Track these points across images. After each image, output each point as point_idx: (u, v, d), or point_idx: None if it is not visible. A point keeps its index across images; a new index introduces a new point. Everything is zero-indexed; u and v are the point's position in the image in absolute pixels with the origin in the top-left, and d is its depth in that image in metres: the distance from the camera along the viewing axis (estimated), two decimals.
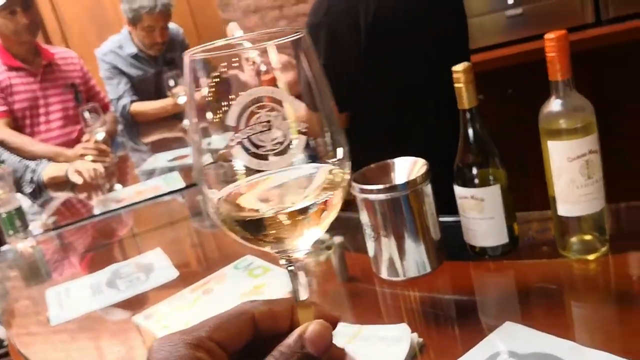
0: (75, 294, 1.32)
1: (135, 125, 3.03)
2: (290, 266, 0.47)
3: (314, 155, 0.44)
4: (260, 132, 0.42)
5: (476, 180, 0.98)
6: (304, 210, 0.43)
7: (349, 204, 0.96)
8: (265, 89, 0.42)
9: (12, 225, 1.72)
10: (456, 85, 0.94)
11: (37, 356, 1.10)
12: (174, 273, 1.31)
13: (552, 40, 0.86)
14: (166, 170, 2.14)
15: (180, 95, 2.76)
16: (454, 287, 1.02)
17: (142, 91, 3.06)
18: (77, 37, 4.01)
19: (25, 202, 2.02)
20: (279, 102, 0.43)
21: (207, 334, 0.42)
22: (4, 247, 1.76)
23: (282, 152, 0.43)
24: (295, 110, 0.43)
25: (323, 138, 0.45)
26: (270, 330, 0.45)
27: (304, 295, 0.46)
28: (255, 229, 0.44)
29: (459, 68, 0.93)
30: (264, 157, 0.43)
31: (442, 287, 1.02)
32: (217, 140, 0.44)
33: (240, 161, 0.42)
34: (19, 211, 1.75)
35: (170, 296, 1.17)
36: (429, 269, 1.01)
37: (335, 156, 0.45)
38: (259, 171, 0.43)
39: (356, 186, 1.00)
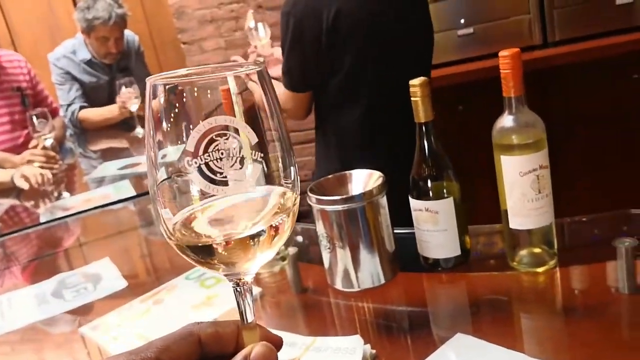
0: (18, 304, 1.27)
1: (83, 132, 2.96)
2: (238, 289, 0.47)
3: (268, 179, 0.46)
4: (219, 159, 0.44)
5: (431, 193, 0.99)
6: (255, 236, 0.45)
7: (303, 215, 0.97)
8: (224, 118, 0.44)
9: None
10: (413, 98, 0.95)
11: None
12: (122, 283, 1.28)
13: (506, 58, 0.88)
14: (116, 179, 2.10)
15: (132, 102, 2.72)
16: (407, 298, 1.03)
17: (94, 98, 2.99)
18: (28, 43, 3.91)
19: None
20: (236, 131, 0.44)
21: (154, 355, 0.42)
22: None
23: (238, 179, 0.44)
24: (251, 138, 0.44)
25: (277, 163, 0.47)
26: (216, 351, 0.46)
27: (250, 317, 0.47)
28: (207, 254, 0.45)
29: (415, 82, 0.95)
30: (221, 183, 0.44)
31: (395, 299, 1.03)
32: (173, 159, 0.45)
33: (197, 186, 0.44)
34: None
35: (119, 307, 1.14)
36: (383, 280, 1.02)
37: (287, 177, 0.47)
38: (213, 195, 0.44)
39: (313, 197, 1.00)
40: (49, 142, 2.36)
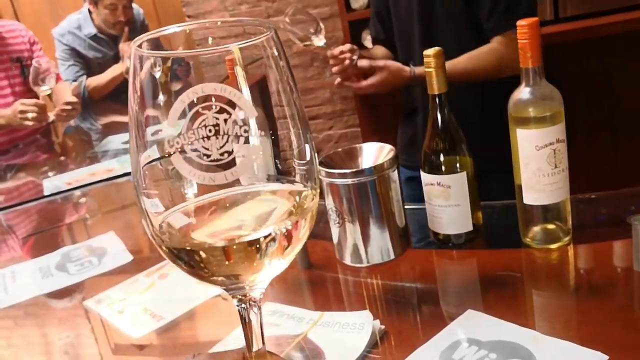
0: (22, 277, 1.26)
1: (91, 104, 2.93)
2: (243, 307, 0.39)
3: (280, 170, 0.38)
4: (205, 137, 0.35)
5: (443, 167, 0.97)
6: (262, 242, 0.36)
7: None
8: (214, 86, 0.36)
9: None
10: (427, 69, 0.93)
11: None
12: (127, 257, 1.26)
13: (524, 27, 0.86)
14: (120, 153, 2.08)
15: None
16: (417, 274, 1.01)
17: (99, 74, 2.96)
18: (30, 13, 3.87)
19: None
20: (232, 104, 0.36)
21: None
22: None
23: (229, 164, 0.35)
24: (250, 113, 0.36)
25: (289, 143, 0.38)
26: None
27: (258, 342, 0.40)
28: (201, 261, 0.36)
29: (429, 52, 0.92)
30: (209, 169, 0.35)
31: (405, 274, 1.01)
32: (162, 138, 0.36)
33: (183, 172, 0.35)
34: None
35: (124, 281, 1.13)
36: (392, 256, 1.00)
37: (302, 159, 0.38)
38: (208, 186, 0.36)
39: (322, 170, 0.98)
40: (46, 93, 2.34)
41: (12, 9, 3.92)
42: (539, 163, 0.89)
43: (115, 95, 2.94)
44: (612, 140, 2.57)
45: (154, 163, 0.36)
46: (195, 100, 0.35)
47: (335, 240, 1.02)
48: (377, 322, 0.85)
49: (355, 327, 0.85)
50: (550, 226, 0.95)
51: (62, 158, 2.28)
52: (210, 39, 0.40)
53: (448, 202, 0.97)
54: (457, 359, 0.75)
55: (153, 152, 0.36)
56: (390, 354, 0.81)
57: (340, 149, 1.04)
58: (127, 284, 1.12)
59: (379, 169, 0.96)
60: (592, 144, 2.53)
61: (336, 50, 1.58)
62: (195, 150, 0.34)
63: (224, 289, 0.38)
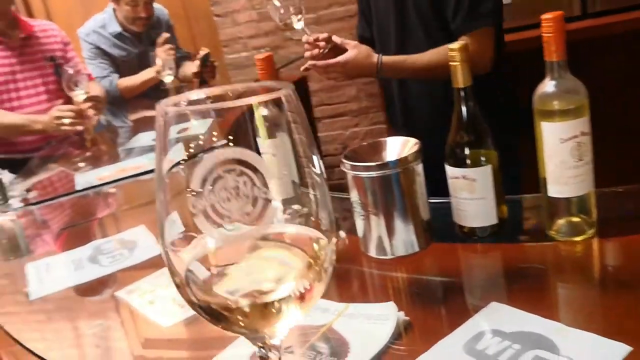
0: (55, 269, 1.30)
1: (122, 102, 2.98)
2: (263, 350, 0.40)
3: (294, 226, 0.39)
4: (226, 199, 0.36)
5: (468, 160, 0.98)
6: (279, 301, 0.38)
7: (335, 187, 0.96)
8: (234, 151, 0.37)
9: None
10: (452, 63, 0.94)
11: (15, 331, 1.08)
12: (157, 250, 1.29)
13: (549, 20, 0.86)
14: (149, 149, 2.11)
15: (166, 73, 2.72)
16: (441, 267, 1.02)
17: (125, 72, 3.00)
18: (61, 13, 3.95)
19: (6, 176, 1.98)
20: (251, 166, 0.37)
21: None
22: None
23: (252, 223, 0.37)
24: (270, 176, 0.37)
25: (309, 206, 0.39)
26: None
27: None
28: (226, 318, 0.38)
29: (455, 46, 0.93)
30: (229, 229, 0.37)
31: (429, 267, 1.02)
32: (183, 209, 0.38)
33: (206, 233, 0.37)
34: None
35: (154, 272, 1.16)
36: (417, 249, 1.01)
37: (320, 221, 0.39)
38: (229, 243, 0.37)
39: (347, 163, 0.99)
40: (81, 98, 2.39)
41: (45, 9, 4.01)
42: (563, 156, 0.89)
43: (146, 92, 2.99)
44: None
45: (176, 219, 0.38)
46: (216, 163, 0.36)
47: (360, 232, 1.04)
48: (402, 313, 0.85)
49: (379, 319, 0.85)
50: (575, 219, 0.95)
51: (93, 154, 2.32)
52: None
53: (473, 195, 0.98)
54: (480, 349, 0.76)
55: (178, 207, 0.38)
56: (414, 345, 0.82)
57: (365, 143, 1.05)
58: (157, 275, 1.14)
59: (403, 162, 0.97)
60: (620, 138, 2.50)
61: (312, 37, 1.59)
62: (216, 210, 0.36)
63: (245, 336, 0.39)
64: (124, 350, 0.98)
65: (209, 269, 0.38)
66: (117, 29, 2.97)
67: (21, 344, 1.02)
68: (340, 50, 1.58)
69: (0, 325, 1.10)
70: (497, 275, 0.98)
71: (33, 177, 2.16)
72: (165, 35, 2.86)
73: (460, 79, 0.95)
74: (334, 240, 0.40)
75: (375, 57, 1.58)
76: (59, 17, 3.85)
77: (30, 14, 3.92)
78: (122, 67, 3.01)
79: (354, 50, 1.55)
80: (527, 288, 0.91)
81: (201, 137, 0.38)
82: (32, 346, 0.99)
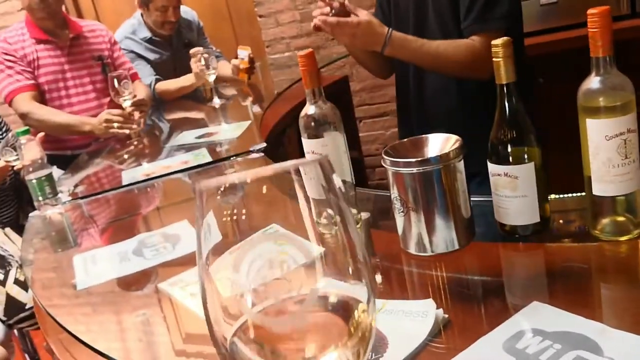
0: (101, 261, 1.33)
1: (160, 104, 3.04)
2: None
3: (334, 301, 0.39)
4: (267, 283, 0.37)
5: (510, 158, 0.97)
6: None
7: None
8: (271, 248, 0.38)
9: (42, 191, 1.74)
10: (495, 59, 0.93)
11: (63, 318, 1.11)
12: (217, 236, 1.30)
13: (594, 16, 0.85)
14: (194, 147, 2.15)
15: (210, 73, 2.76)
16: (481, 265, 1.01)
17: (160, 75, 3.06)
18: (110, 13, 4.05)
19: (55, 172, 2.05)
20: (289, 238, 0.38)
21: None
22: (33, 213, 1.78)
23: (294, 305, 0.38)
24: (310, 258, 0.38)
25: (346, 281, 0.39)
26: None
27: None
28: None
29: (498, 42, 0.92)
30: (272, 313, 0.38)
31: (469, 265, 1.01)
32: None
33: (249, 318, 0.37)
34: (49, 178, 1.76)
35: (196, 266, 1.17)
36: (457, 246, 1.00)
37: (360, 299, 0.39)
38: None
39: (387, 159, 0.99)
40: (127, 103, 2.44)
41: (94, 9, 4.11)
42: (608, 153, 0.87)
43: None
44: None
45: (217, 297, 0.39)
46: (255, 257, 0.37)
47: (399, 229, 1.04)
48: (440, 311, 0.85)
49: (418, 315, 0.85)
50: (620, 218, 0.93)
51: (139, 151, 2.37)
52: None
53: (515, 193, 0.97)
54: (520, 348, 0.75)
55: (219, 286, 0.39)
56: (452, 342, 0.81)
57: (405, 140, 1.05)
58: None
59: (445, 159, 0.96)
60: None
61: None
62: (257, 291, 0.38)
63: None
64: (167, 344, 1.00)
65: (251, 341, 0.39)
66: (147, 34, 3.02)
67: (69, 332, 1.05)
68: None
69: (50, 314, 1.14)
70: (538, 274, 0.96)
71: (81, 173, 2.22)
72: (197, 49, 2.88)
73: (503, 75, 0.94)
74: (374, 303, 0.39)
75: (386, 28, 1.54)
76: (107, 17, 3.94)
77: (80, 14, 4.02)
78: (157, 69, 3.06)
79: (365, 16, 1.52)
80: (569, 288, 0.90)
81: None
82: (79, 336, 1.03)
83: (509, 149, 0.97)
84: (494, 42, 0.93)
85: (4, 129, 2.45)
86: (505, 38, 0.93)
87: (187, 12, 3.14)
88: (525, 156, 0.96)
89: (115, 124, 2.39)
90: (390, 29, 1.54)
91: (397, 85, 1.87)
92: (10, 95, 2.52)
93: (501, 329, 0.80)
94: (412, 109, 1.79)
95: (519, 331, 0.78)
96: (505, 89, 0.95)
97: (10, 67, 2.53)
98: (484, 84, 1.25)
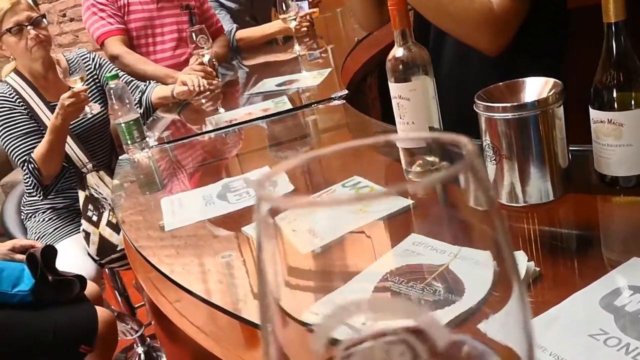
0: (187, 204, 1.36)
1: (239, 50, 3.06)
2: None
3: None
4: None
5: (616, 103, 0.90)
6: None
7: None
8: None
9: (131, 135, 1.79)
10: None
11: (152, 258, 1.15)
12: (289, 187, 1.29)
13: None
14: (274, 95, 2.15)
15: (290, 19, 2.74)
16: (577, 217, 0.96)
17: (239, 22, 3.07)
18: None
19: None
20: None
21: None
22: (123, 157, 1.84)
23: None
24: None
25: None
26: None
27: None
28: None
29: None
30: None
31: (564, 217, 0.96)
32: None
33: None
34: (137, 122, 1.81)
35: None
36: (552, 197, 0.95)
37: None
38: None
39: (480, 104, 0.94)
40: (206, 58, 2.46)
41: None
42: None
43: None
44: None
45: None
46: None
47: (490, 178, 0.99)
48: (532, 263, 0.81)
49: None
50: None
51: (223, 98, 2.40)
52: None
53: (619, 141, 0.90)
54: (619, 305, 0.71)
55: None
56: (542, 297, 0.78)
57: (500, 83, 0.99)
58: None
59: (543, 104, 0.91)
60: None
61: None
62: None
63: None
64: (246, 287, 1.01)
65: None
66: None
67: (159, 270, 1.08)
68: None
69: (141, 253, 1.18)
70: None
71: (167, 118, 2.27)
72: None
73: (612, 12, 0.86)
74: None
75: None
76: None
77: None
78: (236, 16, 3.07)
79: None
80: None
81: None
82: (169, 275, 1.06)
83: (614, 94, 0.90)
84: None
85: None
86: None
87: None
88: (632, 102, 0.89)
89: (195, 81, 2.35)
90: None
91: None
92: (102, 37, 2.60)
93: (597, 284, 0.76)
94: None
95: (616, 288, 0.74)
96: (613, 27, 0.88)
97: (102, 10, 2.60)
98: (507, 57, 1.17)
